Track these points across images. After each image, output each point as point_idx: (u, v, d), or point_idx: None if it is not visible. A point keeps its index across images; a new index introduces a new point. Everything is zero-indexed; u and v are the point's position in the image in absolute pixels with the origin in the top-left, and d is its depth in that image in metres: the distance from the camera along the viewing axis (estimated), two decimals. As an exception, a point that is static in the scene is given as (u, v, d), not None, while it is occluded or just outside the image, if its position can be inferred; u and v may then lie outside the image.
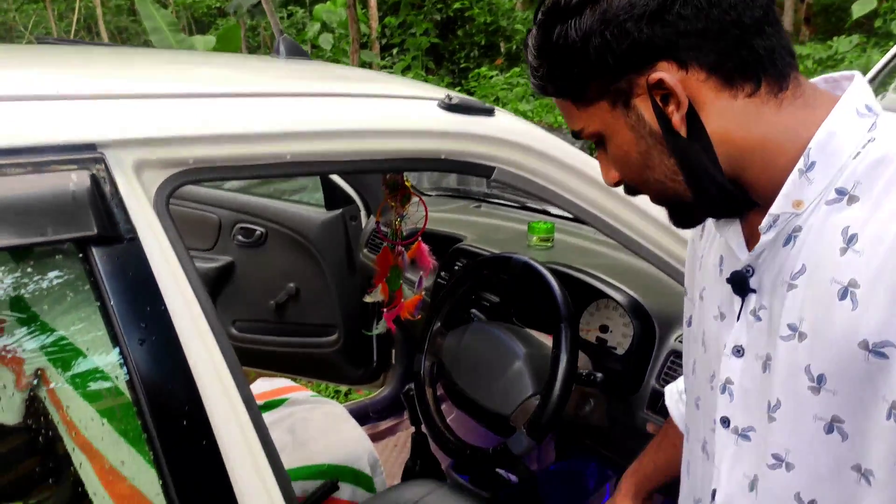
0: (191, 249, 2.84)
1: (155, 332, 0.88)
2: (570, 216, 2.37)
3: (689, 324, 1.06)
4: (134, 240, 0.89)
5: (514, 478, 2.15)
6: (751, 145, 0.79)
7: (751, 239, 0.86)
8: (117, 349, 0.87)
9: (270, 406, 2.18)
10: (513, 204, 2.54)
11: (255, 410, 0.94)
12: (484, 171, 1.23)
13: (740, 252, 0.86)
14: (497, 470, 2.17)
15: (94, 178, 0.88)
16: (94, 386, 0.95)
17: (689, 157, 0.80)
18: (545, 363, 1.51)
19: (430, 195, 2.81)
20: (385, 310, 1.92)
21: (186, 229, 2.71)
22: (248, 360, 2.77)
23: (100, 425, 0.95)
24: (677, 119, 0.78)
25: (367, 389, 2.89)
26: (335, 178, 2.60)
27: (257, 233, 2.68)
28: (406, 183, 1.78)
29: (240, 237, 2.70)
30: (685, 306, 1.09)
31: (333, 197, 2.66)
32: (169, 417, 0.88)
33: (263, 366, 2.76)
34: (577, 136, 0.89)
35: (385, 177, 1.80)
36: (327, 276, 2.63)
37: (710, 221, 0.97)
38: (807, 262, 0.78)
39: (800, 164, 0.78)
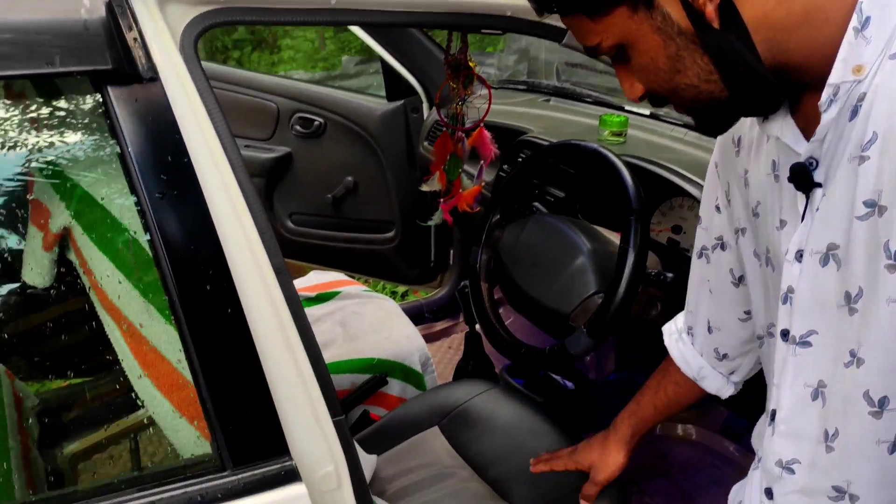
0: (248, 139, 2.77)
1: (176, 185, 0.79)
2: (646, 113, 2.21)
3: (701, 255, 1.05)
4: (155, 80, 0.79)
5: (570, 384, 2.07)
6: (793, 21, 0.71)
7: (807, 129, 0.77)
8: (135, 200, 0.79)
9: (322, 298, 2.13)
10: (585, 98, 2.37)
11: (288, 280, 0.86)
12: (555, 34, 1.09)
13: (798, 145, 0.77)
14: (552, 375, 2.09)
15: (110, 7, 0.77)
16: (115, 243, 0.88)
17: (725, 51, 0.73)
18: (611, 260, 1.39)
19: (496, 88, 2.65)
20: (442, 200, 1.81)
21: (243, 117, 2.63)
22: (303, 254, 2.73)
23: (123, 286, 0.88)
24: (710, 9, 0.71)
25: (424, 290, 2.82)
26: (398, 67, 2.46)
27: (316, 123, 2.59)
28: (470, 63, 1.63)
29: (298, 127, 2.61)
30: (697, 237, 1.05)
31: (395, 88, 2.53)
32: (191, 281, 0.80)
33: (318, 261, 2.71)
34: (593, 53, 0.79)
35: (447, 56, 1.66)
36: (386, 170, 2.53)
37: (745, 133, 0.90)
38: (878, 129, 0.69)
39: (853, 23, 0.69)
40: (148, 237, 0.79)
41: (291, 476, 0.82)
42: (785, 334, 0.83)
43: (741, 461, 1.93)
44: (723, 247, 1.01)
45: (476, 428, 1.63)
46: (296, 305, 0.86)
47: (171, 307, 0.79)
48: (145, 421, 0.92)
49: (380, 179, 2.57)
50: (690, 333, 1.16)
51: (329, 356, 1.89)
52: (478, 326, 1.73)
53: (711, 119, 0.81)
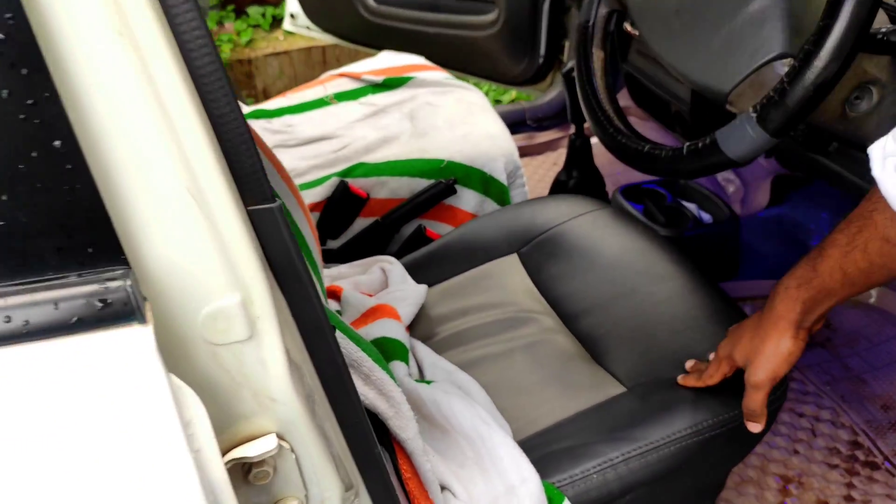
0: None
1: None
2: None
3: None
4: None
5: (706, 216, 1.55)
6: None
7: None
8: None
9: (391, 84, 1.66)
10: None
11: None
12: None
13: None
14: (684, 204, 1.57)
15: None
16: None
17: None
18: (812, 6, 0.84)
19: None
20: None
21: None
22: (385, 41, 2.23)
23: None
24: None
25: (529, 92, 2.29)
26: None
27: None
28: None
29: None
30: None
31: None
32: None
33: (401, 49, 2.21)
34: None
35: None
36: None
37: None
38: None
39: None
40: None
41: (124, 310, 0.39)
42: None
43: (942, 340, 1.40)
44: None
45: (569, 261, 1.17)
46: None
47: None
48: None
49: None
50: None
51: (388, 154, 1.44)
52: (587, 125, 1.22)
53: None
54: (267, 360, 0.45)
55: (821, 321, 0.82)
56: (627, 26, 1.12)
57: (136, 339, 0.38)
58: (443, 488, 0.83)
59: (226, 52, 3.53)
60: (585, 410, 0.96)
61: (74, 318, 0.37)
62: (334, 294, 1.15)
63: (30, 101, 0.34)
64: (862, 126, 0.96)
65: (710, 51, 0.89)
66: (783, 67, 0.83)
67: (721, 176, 1.88)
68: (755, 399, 0.84)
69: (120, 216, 0.38)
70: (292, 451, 0.48)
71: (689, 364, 0.95)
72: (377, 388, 0.69)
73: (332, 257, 1.37)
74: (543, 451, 0.93)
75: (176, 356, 0.42)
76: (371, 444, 0.58)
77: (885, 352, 1.42)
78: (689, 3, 0.93)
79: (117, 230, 0.38)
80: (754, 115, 0.80)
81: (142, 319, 0.39)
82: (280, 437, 0.48)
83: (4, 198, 0.35)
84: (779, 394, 0.93)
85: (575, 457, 0.91)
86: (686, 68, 0.92)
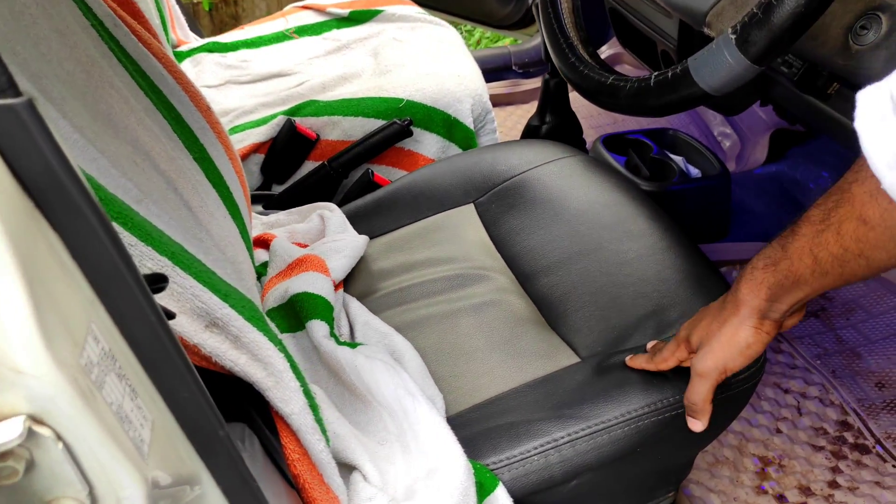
0: None
1: None
2: None
3: None
4: None
5: (694, 171, 1.41)
6: None
7: None
8: None
9: (357, 18, 1.51)
10: None
11: None
12: None
13: None
14: (671, 157, 1.43)
15: None
16: None
17: None
18: None
19: None
20: None
21: None
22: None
23: None
24: None
25: (516, 37, 2.13)
26: None
27: None
28: None
29: None
30: None
31: None
32: None
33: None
34: None
35: None
36: None
37: None
38: None
39: None
40: None
41: None
42: None
43: (947, 313, 1.27)
44: None
45: (531, 213, 1.04)
46: None
47: None
48: None
49: None
50: None
51: (344, 93, 1.31)
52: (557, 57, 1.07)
53: None
54: (2, 316, 0.33)
55: (796, 315, 0.69)
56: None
57: None
58: (352, 469, 0.71)
59: (210, -9, 3.36)
60: (531, 382, 0.84)
61: None
62: (265, 243, 1.03)
63: None
64: (867, 61, 0.81)
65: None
66: (770, -20, 0.69)
67: (717, 130, 1.74)
68: (698, 390, 0.71)
69: None
70: (58, 438, 0.36)
71: (649, 345, 0.81)
72: (250, 353, 0.57)
73: (273, 204, 1.24)
74: (479, 427, 0.81)
75: None
76: (212, 423, 0.46)
77: (883, 324, 1.29)
78: None
79: None
80: (733, 36, 0.66)
81: None
82: (36, 420, 0.35)
83: None
84: (753, 370, 0.81)
85: (514, 436, 0.79)
86: (660, -16, 0.78)
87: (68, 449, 0.37)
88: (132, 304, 0.40)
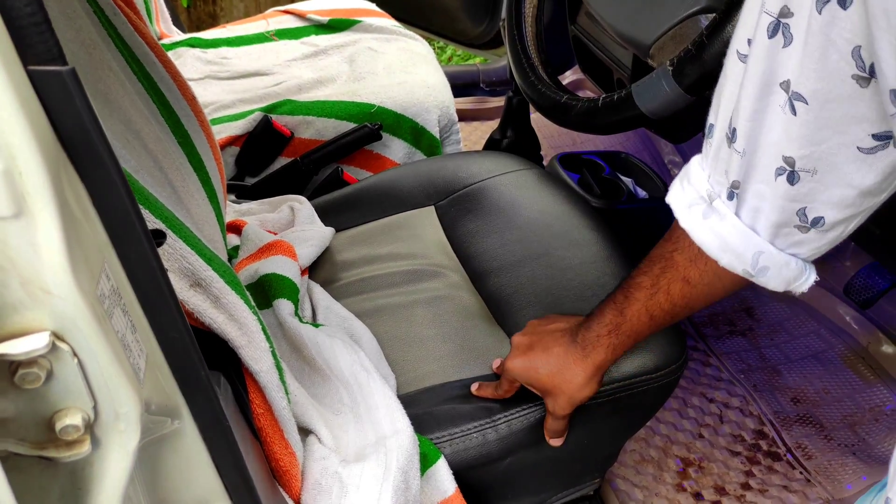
0: None
1: None
2: None
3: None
4: None
5: (642, 193, 1.51)
6: None
7: None
8: None
9: (336, 27, 1.59)
10: None
11: None
12: None
13: None
14: (621, 178, 1.53)
15: None
16: None
17: None
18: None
19: None
20: None
21: None
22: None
23: None
24: None
25: (485, 56, 2.22)
26: None
27: None
28: None
29: None
30: None
31: None
32: None
33: None
34: None
35: None
36: None
37: None
38: None
39: None
40: None
41: None
42: None
43: (860, 338, 1.38)
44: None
45: (486, 218, 1.13)
46: None
47: None
48: None
49: None
50: (735, 195, 0.62)
51: (319, 95, 1.38)
52: (520, 77, 1.16)
53: None
54: (40, 243, 0.40)
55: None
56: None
57: None
58: (309, 432, 0.78)
59: (190, -11, 3.41)
60: (478, 377, 0.92)
61: None
62: (237, 228, 1.10)
63: None
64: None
65: (637, 1, 0.84)
66: (706, 21, 0.79)
67: (667, 157, 1.85)
68: (556, 428, 0.85)
69: None
70: (74, 354, 0.43)
71: (474, 387, 0.90)
72: (228, 313, 0.63)
73: (246, 194, 1.31)
74: (426, 407, 0.89)
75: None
76: (195, 363, 0.53)
77: (803, 345, 1.41)
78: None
79: None
80: (670, 68, 0.76)
81: None
82: (58, 336, 0.42)
83: None
84: (677, 365, 0.90)
85: (457, 415, 0.87)
86: (613, 18, 0.88)
87: (81, 365, 0.43)
88: (138, 251, 0.47)
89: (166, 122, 0.89)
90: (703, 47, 0.72)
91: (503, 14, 1.11)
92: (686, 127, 1.21)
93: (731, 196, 0.63)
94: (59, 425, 0.44)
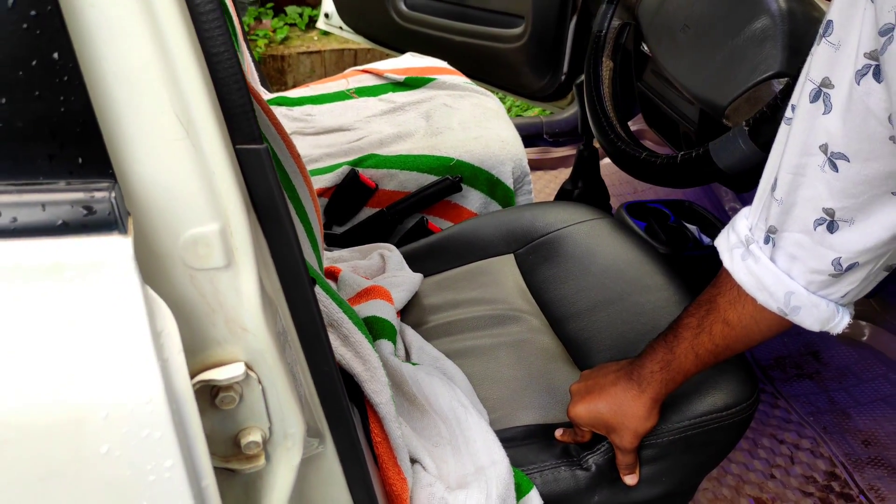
0: None
1: None
2: None
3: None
4: None
5: (707, 240, 1.57)
6: None
7: None
8: None
9: (412, 84, 1.69)
10: None
11: None
12: None
13: None
14: (686, 225, 1.59)
15: None
16: None
17: None
18: (813, 27, 0.86)
19: None
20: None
21: None
22: (412, 44, 2.27)
23: None
24: None
25: (550, 108, 2.32)
26: None
27: None
28: None
29: None
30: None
31: None
32: None
33: (428, 54, 2.25)
34: None
35: None
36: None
37: None
38: None
39: None
40: None
41: (107, 219, 0.42)
42: None
43: (929, 381, 1.40)
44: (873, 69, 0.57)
45: (563, 266, 1.20)
46: None
47: None
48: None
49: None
50: (771, 239, 0.71)
51: (401, 149, 1.48)
52: (595, 136, 1.24)
53: None
54: (242, 289, 0.48)
55: None
56: (644, 47, 1.16)
57: (116, 248, 0.41)
58: (414, 461, 0.85)
59: (260, 47, 3.60)
60: (560, 422, 0.98)
61: (59, 221, 0.41)
62: (332, 274, 1.18)
63: (33, 13, 0.38)
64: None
65: (713, 66, 0.92)
66: (779, 85, 0.86)
67: (728, 205, 1.90)
68: (627, 461, 0.91)
69: (111, 133, 0.41)
70: (259, 382, 0.51)
71: (558, 433, 0.96)
72: (354, 350, 0.71)
73: (335, 242, 1.40)
74: (517, 443, 0.95)
75: (154, 273, 0.45)
76: (340, 395, 0.61)
77: (871, 389, 1.43)
78: (697, 20, 0.96)
79: (107, 146, 0.41)
80: (746, 128, 0.83)
81: (123, 230, 0.42)
82: (249, 367, 0.50)
83: (3, 101, 0.38)
84: (748, 403, 0.95)
85: (548, 448, 0.93)
86: (688, 81, 0.95)
87: (263, 392, 0.52)
88: (303, 296, 0.56)
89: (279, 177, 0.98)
90: (778, 109, 0.79)
91: (581, 77, 1.19)
92: (751, 177, 1.27)
93: (766, 240, 0.71)
94: (244, 441, 0.52)
